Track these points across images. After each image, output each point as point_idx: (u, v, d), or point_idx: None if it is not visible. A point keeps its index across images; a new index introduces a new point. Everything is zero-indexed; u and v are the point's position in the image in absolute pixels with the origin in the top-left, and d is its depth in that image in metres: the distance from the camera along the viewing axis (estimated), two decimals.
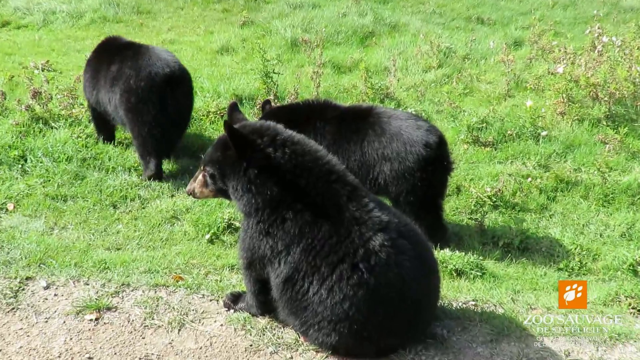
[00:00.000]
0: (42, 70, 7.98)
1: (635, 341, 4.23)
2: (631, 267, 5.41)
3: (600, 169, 6.76)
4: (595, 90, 8.26)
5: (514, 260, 5.61)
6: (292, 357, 3.95)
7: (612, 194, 6.60)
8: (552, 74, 9.04)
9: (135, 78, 6.26)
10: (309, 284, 3.79)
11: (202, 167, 4.24)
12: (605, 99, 8.17)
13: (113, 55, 6.65)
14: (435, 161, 5.49)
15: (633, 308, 4.74)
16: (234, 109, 4.41)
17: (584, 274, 5.43)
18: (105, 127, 7.08)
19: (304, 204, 3.84)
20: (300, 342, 4.05)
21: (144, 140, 6.40)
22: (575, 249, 5.68)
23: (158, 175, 6.45)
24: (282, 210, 3.86)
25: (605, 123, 8.00)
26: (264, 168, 3.89)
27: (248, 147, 3.91)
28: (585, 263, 5.55)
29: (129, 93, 6.30)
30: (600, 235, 6.04)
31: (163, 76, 6.30)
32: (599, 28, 8.92)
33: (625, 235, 6.03)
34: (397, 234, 3.82)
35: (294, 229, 3.82)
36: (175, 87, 6.42)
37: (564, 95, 8.19)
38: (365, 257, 3.70)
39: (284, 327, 4.20)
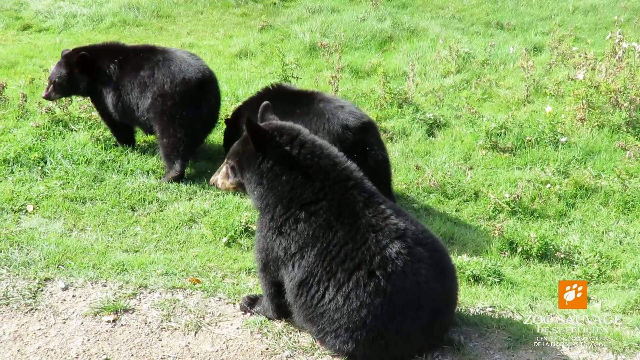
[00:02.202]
0: None
1: None
2: None
3: (621, 176, 6.70)
4: (615, 97, 8.19)
5: (532, 267, 5.57)
6: None
7: (632, 201, 6.54)
8: (572, 79, 8.98)
9: (171, 83, 6.42)
10: (325, 289, 3.80)
11: (226, 160, 4.30)
12: (626, 105, 8.11)
13: (140, 61, 6.68)
14: (353, 145, 5.49)
15: None
16: (266, 109, 4.42)
17: (603, 282, 5.39)
18: (127, 133, 7.16)
19: (319, 207, 3.86)
20: (316, 346, 4.05)
21: (177, 142, 6.51)
22: (595, 256, 5.63)
23: (181, 177, 6.53)
24: (295, 209, 3.89)
25: (625, 129, 7.93)
26: (277, 163, 3.95)
27: (266, 142, 3.97)
28: (605, 270, 5.50)
29: (164, 97, 6.43)
30: (620, 243, 5.98)
31: (196, 81, 6.49)
32: (620, 34, 8.84)
33: None
34: (413, 241, 3.83)
35: (307, 231, 3.84)
36: (207, 91, 6.63)
37: (584, 101, 8.13)
38: (382, 265, 3.71)
39: (300, 331, 4.20)
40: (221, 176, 4.36)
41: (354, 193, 3.92)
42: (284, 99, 6.06)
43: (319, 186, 3.90)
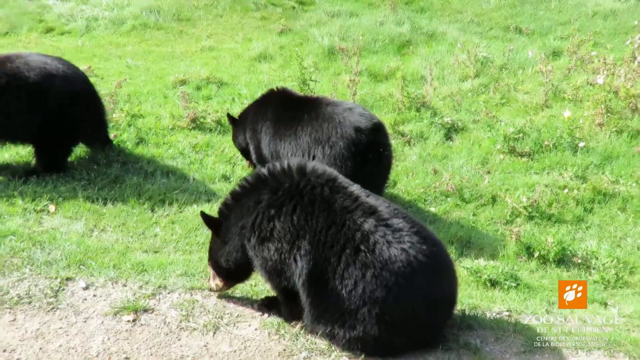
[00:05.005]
0: None
1: None
2: None
3: (639, 181, 6.66)
4: (634, 102, 8.15)
5: (549, 272, 5.55)
6: None
7: None
8: (591, 84, 8.94)
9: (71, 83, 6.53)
10: (326, 279, 3.91)
11: (210, 266, 4.62)
12: None
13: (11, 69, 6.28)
14: (367, 147, 5.58)
15: None
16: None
17: (620, 287, 5.36)
18: None
19: (281, 200, 4.10)
20: (333, 348, 4.06)
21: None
22: (612, 261, 5.60)
23: None
24: (263, 211, 4.13)
25: None
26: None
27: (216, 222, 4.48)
28: (622, 276, 5.47)
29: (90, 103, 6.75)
30: (638, 248, 5.95)
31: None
32: (639, 39, 8.79)
33: None
34: (388, 214, 3.96)
35: (287, 225, 4.02)
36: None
37: (603, 106, 8.08)
38: (364, 239, 3.84)
39: (317, 333, 4.22)
40: (211, 279, 4.60)
41: (314, 181, 4.12)
42: (290, 105, 6.13)
43: (273, 187, 4.16)
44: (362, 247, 3.83)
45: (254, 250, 4.18)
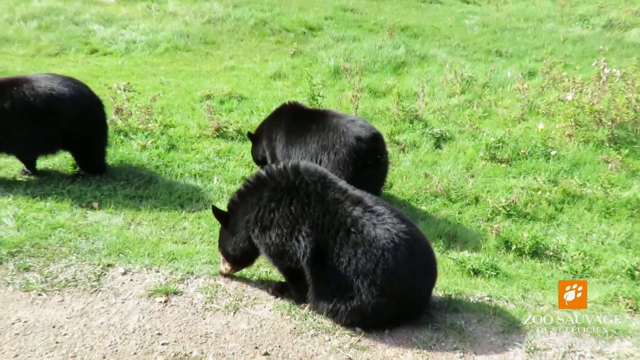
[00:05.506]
0: (124, 91, 8.13)
1: (631, 337, 4.15)
2: (629, 272, 5.30)
3: (603, 185, 6.65)
4: (599, 116, 8.14)
5: (524, 263, 5.54)
6: (329, 340, 3.97)
7: (613, 207, 6.49)
8: (561, 100, 8.92)
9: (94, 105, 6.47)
10: (325, 257, 3.98)
11: (221, 254, 4.63)
12: (608, 123, 8.05)
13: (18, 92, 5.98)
14: (367, 154, 5.60)
15: (630, 307, 4.66)
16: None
17: (586, 277, 5.35)
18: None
19: (279, 195, 4.15)
20: (337, 327, 4.07)
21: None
22: (579, 254, 5.59)
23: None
24: (264, 205, 4.18)
25: (608, 144, 7.87)
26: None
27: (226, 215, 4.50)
28: (588, 267, 5.46)
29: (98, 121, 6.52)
30: (602, 243, 5.93)
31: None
32: (604, 61, 8.77)
33: (624, 243, 5.92)
34: (372, 203, 4.07)
35: (286, 212, 4.08)
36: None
37: (572, 120, 8.09)
38: (354, 223, 3.94)
39: (323, 313, 4.22)
40: (228, 266, 4.61)
41: (307, 178, 4.16)
42: (301, 117, 6.12)
43: (272, 186, 4.20)
44: (353, 230, 3.93)
45: (258, 239, 4.24)
